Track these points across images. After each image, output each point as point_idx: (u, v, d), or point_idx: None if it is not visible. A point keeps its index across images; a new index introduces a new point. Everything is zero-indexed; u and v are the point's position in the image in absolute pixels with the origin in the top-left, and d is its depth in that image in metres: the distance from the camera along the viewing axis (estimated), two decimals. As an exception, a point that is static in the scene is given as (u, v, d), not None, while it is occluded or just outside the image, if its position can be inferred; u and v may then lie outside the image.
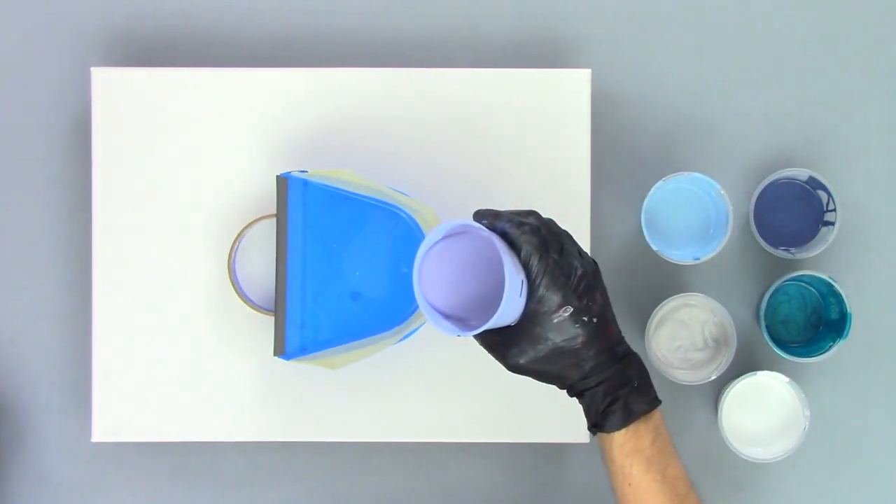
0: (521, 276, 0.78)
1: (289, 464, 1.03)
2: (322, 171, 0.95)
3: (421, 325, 0.94)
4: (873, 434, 1.03)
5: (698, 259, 0.99)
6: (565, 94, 0.98)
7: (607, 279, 1.02)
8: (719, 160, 1.03)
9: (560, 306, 0.78)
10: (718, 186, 0.97)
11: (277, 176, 0.95)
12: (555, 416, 0.98)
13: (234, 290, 0.97)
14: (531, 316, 0.79)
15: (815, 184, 1.01)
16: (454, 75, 0.99)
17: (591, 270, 0.81)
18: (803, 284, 1.02)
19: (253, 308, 0.98)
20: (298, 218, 0.96)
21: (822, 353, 0.98)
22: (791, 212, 1.03)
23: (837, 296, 0.98)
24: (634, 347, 1.01)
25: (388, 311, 0.97)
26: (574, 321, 0.79)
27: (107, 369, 0.98)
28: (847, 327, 0.97)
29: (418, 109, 0.98)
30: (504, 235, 0.79)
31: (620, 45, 1.04)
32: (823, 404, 1.02)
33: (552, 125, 0.98)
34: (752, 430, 1.00)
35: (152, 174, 0.98)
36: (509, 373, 0.99)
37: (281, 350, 0.95)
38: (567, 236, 0.82)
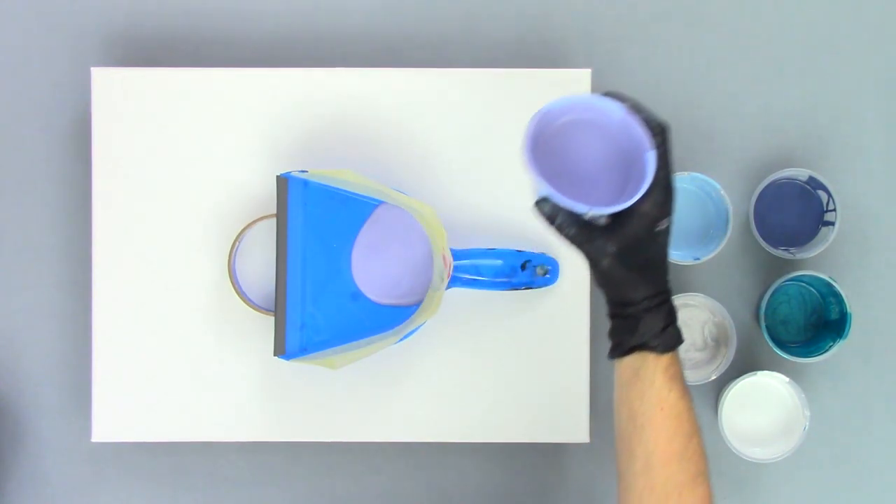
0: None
1: (289, 464, 1.03)
2: (322, 171, 0.95)
3: (421, 325, 0.94)
4: (873, 434, 1.03)
5: (698, 259, 0.99)
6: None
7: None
8: (719, 160, 1.03)
9: (664, 217, 0.79)
10: (718, 186, 0.97)
11: (277, 176, 0.95)
12: (555, 416, 0.98)
13: (234, 290, 0.97)
14: (638, 216, 0.78)
15: (815, 184, 1.01)
16: (454, 75, 0.99)
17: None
18: (803, 284, 1.02)
19: (253, 308, 0.98)
20: (298, 218, 0.96)
21: (822, 353, 0.98)
22: (791, 212, 1.03)
23: (837, 296, 0.98)
24: (634, 347, 1.02)
25: (388, 310, 0.97)
26: (665, 235, 0.79)
27: (107, 369, 0.98)
28: (847, 327, 0.97)
29: (418, 109, 0.98)
30: (646, 121, 0.79)
31: (620, 45, 1.04)
32: (823, 404, 1.03)
33: (552, 125, 0.98)
34: (752, 430, 1.00)
35: (152, 174, 0.98)
36: (509, 371, 0.99)
37: (281, 350, 0.95)
38: None
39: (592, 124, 0.80)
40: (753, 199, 0.99)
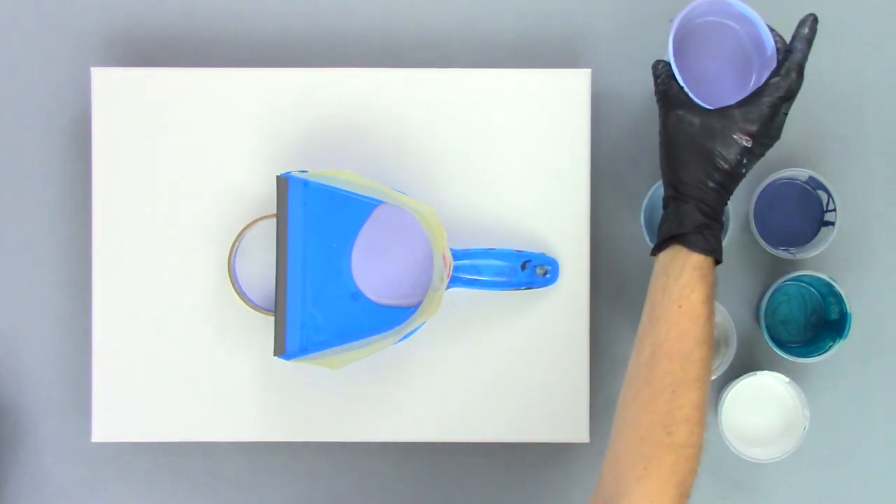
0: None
1: (289, 464, 1.03)
2: (322, 171, 0.95)
3: (421, 325, 0.94)
4: (873, 434, 1.03)
5: (698, 259, 0.98)
6: (565, 94, 0.98)
7: (607, 279, 1.02)
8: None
9: (748, 134, 0.83)
10: (718, 186, 0.97)
11: (277, 176, 0.95)
12: (555, 416, 0.98)
13: (234, 290, 0.97)
14: (724, 114, 0.84)
15: (815, 184, 1.01)
16: (454, 75, 0.99)
17: (771, 143, 0.86)
18: (803, 284, 1.02)
19: (253, 308, 0.98)
20: (298, 218, 0.96)
21: (822, 353, 0.98)
22: (791, 212, 1.03)
23: (837, 296, 0.98)
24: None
25: (388, 310, 0.97)
26: (740, 152, 0.84)
27: (107, 369, 0.98)
28: (847, 327, 0.97)
29: (418, 109, 0.98)
30: (794, 38, 0.87)
31: (620, 45, 1.04)
32: (823, 404, 1.02)
33: (552, 125, 0.98)
34: (752, 430, 1.00)
35: (152, 174, 0.98)
36: (509, 371, 0.99)
37: (281, 350, 0.95)
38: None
39: (727, 28, 0.92)
40: (753, 199, 0.99)
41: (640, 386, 0.81)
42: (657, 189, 0.98)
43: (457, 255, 0.95)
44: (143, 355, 0.98)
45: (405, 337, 0.94)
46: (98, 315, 0.98)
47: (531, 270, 0.96)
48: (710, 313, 0.82)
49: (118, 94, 0.98)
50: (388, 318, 0.97)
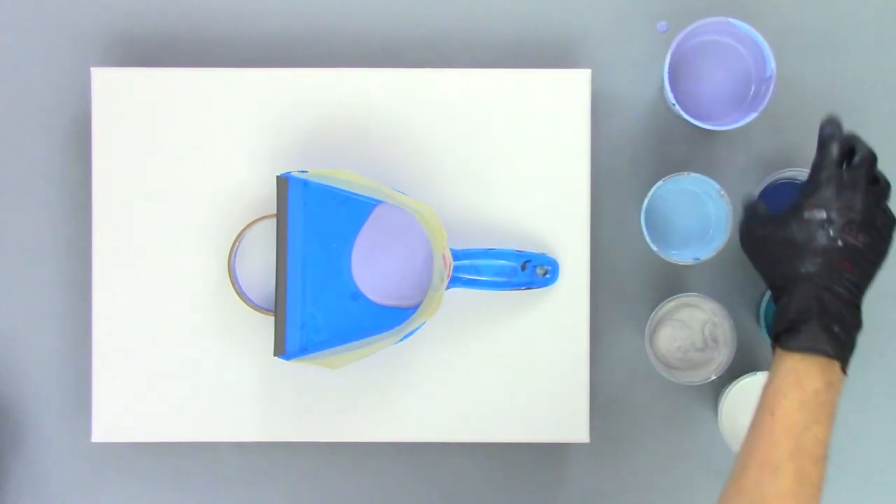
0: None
1: (289, 464, 1.03)
2: (322, 171, 0.95)
3: (421, 325, 0.94)
4: (873, 434, 1.03)
5: (698, 259, 0.99)
6: (565, 94, 0.98)
7: (607, 279, 1.02)
8: (719, 160, 1.03)
9: (814, 206, 0.82)
10: (718, 186, 0.97)
11: (277, 176, 0.95)
12: (555, 416, 0.98)
13: (234, 290, 0.97)
14: (791, 207, 0.83)
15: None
16: (454, 75, 0.99)
17: (886, 233, 0.83)
18: (803, 284, 1.02)
19: (253, 308, 0.98)
20: (298, 218, 0.96)
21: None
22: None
23: (837, 296, 0.97)
24: (634, 347, 1.02)
25: (388, 310, 0.97)
26: (819, 225, 0.81)
27: (107, 369, 0.98)
28: (847, 327, 0.97)
29: (418, 109, 0.98)
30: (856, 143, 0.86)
31: (620, 45, 1.04)
32: (823, 404, 1.02)
33: (552, 125, 0.98)
34: (752, 430, 1.00)
35: (152, 174, 0.98)
36: (509, 371, 0.99)
37: (281, 350, 0.95)
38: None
39: (729, 47, 0.94)
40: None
41: (731, 494, 0.75)
42: (657, 189, 0.98)
43: (457, 255, 0.95)
44: (143, 355, 0.98)
45: (405, 337, 0.94)
46: (98, 315, 0.98)
47: (531, 270, 0.97)
48: (814, 421, 0.74)
49: (118, 94, 0.98)
50: (388, 318, 0.97)
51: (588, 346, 0.98)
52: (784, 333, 0.77)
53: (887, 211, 0.84)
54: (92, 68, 0.99)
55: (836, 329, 0.77)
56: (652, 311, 0.99)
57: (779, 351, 0.77)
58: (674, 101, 0.95)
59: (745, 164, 1.03)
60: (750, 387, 0.99)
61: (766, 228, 0.84)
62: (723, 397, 0.98)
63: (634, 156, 1.03)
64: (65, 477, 1.03)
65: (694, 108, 0.99)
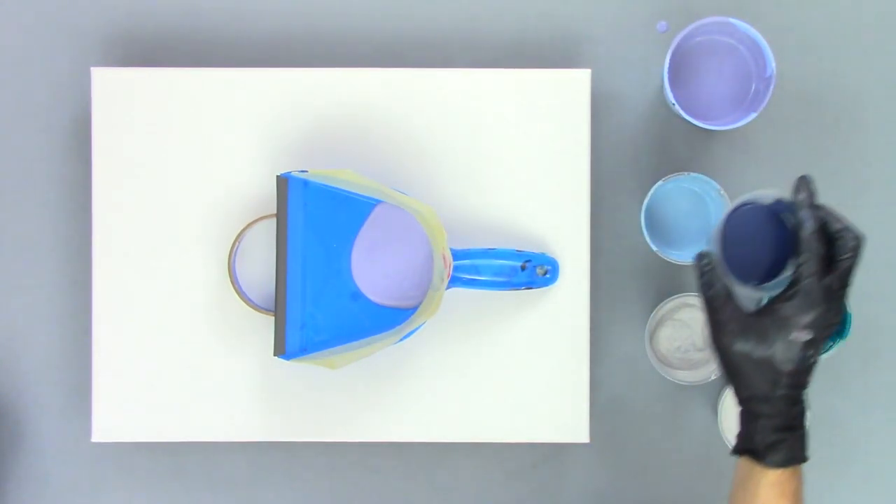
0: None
1: (289, 464, 1.03)
2: (322, 171, 0.95)
3: (421, 325, 0.94)
4: (874, 435, 1.03)
5: (698, 259, 0.98)
6: (565, 94, 0.98)
7: (607, 279, 1.02)
8: (719, 160, 1.03)
9: (805, 327, 0.77)
10: (718, 186, 0.97)
11: (277, 176, 0.95)
12: (555, 416, 0.98)
13: (234, 290, 0.97)
14: (775, 316, 0.78)
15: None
16: (454, 75, 0.99)
17: (842, 320, 0.80)
18: (803, 284, 1.02)
19: (253, 308, 0.98)
20: (298, 218, 0.96)
21: (822, 353, 0.98)
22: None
23: (837, 296, 0.97)
24: (634, 347, 1.02)
25: (388, 310, 0.97)
26: (803, 349, 0.78)
27: (107, 369, 0.98)
28: (847, 327, 0.97)
29: (418, 109, 0.98)
30: (834, 233, 0.79)
31: (620, 45, 1.04)
32: (823, 404, 1.02)
33: (552, 125, 0.98)
34: (752, 430, 1.00)
35: (152, 174, 0.98)
36: (509, 371, 0.99)
37: (281, 350, 0.95)
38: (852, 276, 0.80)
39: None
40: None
41: None
42: (657, 189, 0.98)
43: (457, 255, 0.95)
44: (144, 355, 0.98)
45: (405, 337, 0.94)
46: (98, 315, 0.98)
47: (531, 270, 0.96)
48: None
49: (118, 94, 0.98)
50: (388, 318, 0.97)
51: (588, 347, 0.98)
52: (766, 450, 0.78)
53: (846, 295, 0.81)
54: (92, 68, 0.99)
55: (802, 433, 0.79)
56: (652, 311, 0.99)
57: (756, 465, 0.78)
58: (674, 101, 0.95)
59: (745, 164, 1.03)
60: (750, 387, 0.99)
61: (746, 342, 0.78)
62: (723, 397, 0.98)
63: (634, 156, 1.03)
64: (65, 477, 1.03)
65: (694, 108, 0.99)
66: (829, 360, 0.98)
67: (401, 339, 0.94)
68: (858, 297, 1.02)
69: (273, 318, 0.96)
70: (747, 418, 0.80)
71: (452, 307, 0.97)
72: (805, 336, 0.77)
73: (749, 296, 0.81)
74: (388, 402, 0.98)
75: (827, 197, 1.03)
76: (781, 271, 0.82)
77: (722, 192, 0.97)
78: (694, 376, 1.00)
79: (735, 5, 1.03)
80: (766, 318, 0.79)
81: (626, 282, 1.02)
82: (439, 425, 0.98)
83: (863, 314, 1.02)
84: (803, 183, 0.81)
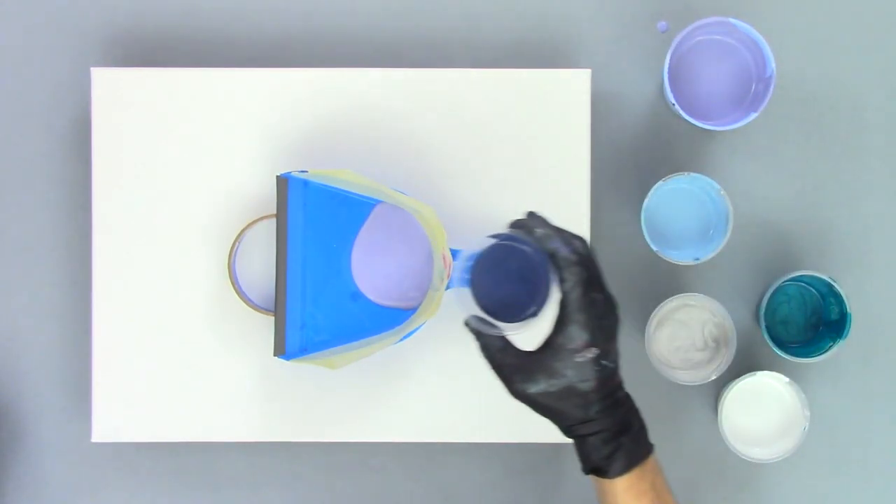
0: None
1: (289, 464, 1.03)
2: (322, 171, 0.95)
3: (421, 326, 0.94)
4: (873, 434, 1.03)
5: (698, 259, 0.99)
6: (565, 94, 0.98)
7: (607, 279, 1.02)
8: (719, 160, 1.03)
9: (587, 346, 0.77)
10: (718, 186, 0.97)
11: (277, 176, 0.95)
12: (555, 416, 0.98)
13: (234, 290, 0.97)
14: (554, 348, 0.78)
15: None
16: (454, 75, 0.99)
17: (617, 312, 0.80)
18: (803, 284, 1.02)
19: (253, 308, 0.98)
20: (298, 218, 0.96)
21: (822, 353, 0.98)
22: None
23: (837, 296, 0.97)
24: (634, 347, 1.02)
25: (388, 311, 0.97)
26: (595, 363, 0.77)
27: (107, 369, 0.98)
28: (847, 327, 0.97)
29: (418, 109, 0.98)
30: (552, 256, 0.78)
31: (620, 45, 1.04)
32: (823, 404, 1.02)
33: (552, 125, 0.98)
34: (752, 431, 1.00)
35: (152, 174, 0.98)
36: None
37: (281, 350, 0.95)
38: (602, 271, 0.80)
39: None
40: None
41: None
42: (657, 189, 0.98)
43: (457, 255, 0.95)
44: (143, 355, 0.98)
45: (405, 337, 0.94)
46: (98, 315, 0.98)
47: (531, 270, 0.96)
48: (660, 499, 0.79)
49: (118, 94, 0.98)
50: (388, 318, 0.97)
51: (588, 346, 0.98)
52: (606, 464, 0.78)
53: (610, 292, 0.81)
54: (92, 68, 0.99)
55: (635, 429, 0.80)
56: (652, 311, 0.99)
57: (602, 480, 0.79)
58: (674, 101, 0.95)
59: (745, 164, 1.03)
60: (750, 387, 0.99)
61: (538, 382, 0.78)
62: (723, 397, 0.98)
63: (634, 156, 1.03)
64: (65, 477, 1.03)
65: (694, 108, 0.99)
66: (829, 360, 0.98)
67: (401, 340, 0.94)
68: (858, 297, 1.02)
69: (273, 318, 0.96)
70: (577, 442, 0.80)
71: (452, 307, 0.97)
72: (591, 353, 0.77)
73: (531, 328, 0.79)
74: (388, 402, 0.98)
75: (827, 197, 1.03)
76: (540, 295, 0.80)
77: (722, 192, 0.97)
78: (694, 376, 1.00)
79: (735, 5, 1.03)
80: (547, 352, 0.78)
81: (626, 282, 1.02)
82: (439, 425, 0.98)
83: (863, 314, 1.02)
84: (517, 222, 0.80)
